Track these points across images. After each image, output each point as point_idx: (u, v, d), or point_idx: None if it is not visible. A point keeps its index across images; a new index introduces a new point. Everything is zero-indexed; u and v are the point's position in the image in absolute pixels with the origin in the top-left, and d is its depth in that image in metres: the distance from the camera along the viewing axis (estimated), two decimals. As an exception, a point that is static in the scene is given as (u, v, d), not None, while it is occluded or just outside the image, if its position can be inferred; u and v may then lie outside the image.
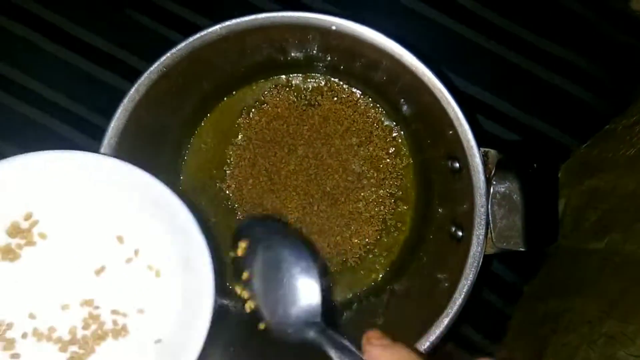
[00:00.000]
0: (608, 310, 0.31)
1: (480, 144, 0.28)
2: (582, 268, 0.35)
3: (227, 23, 0.27)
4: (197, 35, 0.27)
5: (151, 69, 0.27)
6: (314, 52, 0.34)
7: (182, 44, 0.28)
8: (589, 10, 0.43)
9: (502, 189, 0.27)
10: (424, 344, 0.28)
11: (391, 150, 0.39)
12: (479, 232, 0.27)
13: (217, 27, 0.27)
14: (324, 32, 0.29)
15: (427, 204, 0.37)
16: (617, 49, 0.44)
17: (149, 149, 0.34)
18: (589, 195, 0.38)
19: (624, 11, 0.42)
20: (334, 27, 0.28)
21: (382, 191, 0.38)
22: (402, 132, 0.39)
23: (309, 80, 0.39)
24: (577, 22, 0.43)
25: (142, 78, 0.28)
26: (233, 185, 0.39)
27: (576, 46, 0.43)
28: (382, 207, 0.38)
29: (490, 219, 0.27)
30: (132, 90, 0.28)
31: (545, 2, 0.43)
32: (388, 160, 0.38)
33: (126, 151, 0.29)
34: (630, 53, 0.44)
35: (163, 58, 0.27)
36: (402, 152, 0.39)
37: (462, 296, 0.28)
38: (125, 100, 0.28)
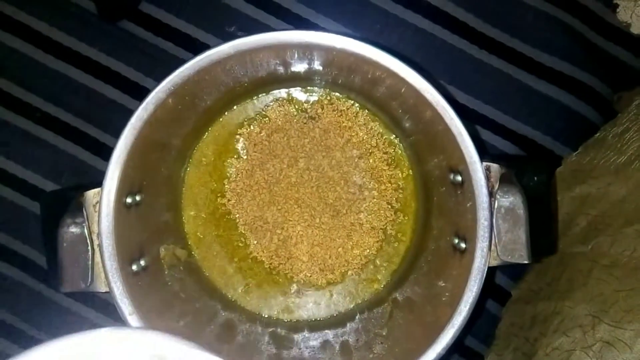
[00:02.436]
0: (600, 315, 0.32)
1: (482, 158, 0.29)
2: (570, 271, 0.36)
3: (235, 42, 0.28)
4: (206, 54, 0.28)
5: (159, 87, 0.28)
6: (316, 67, 0.34)
7: (190, 63, 0.28)
8: (582, 23, 0.45)
9: (506, 203, 0.28)
10: (431, 356, 0.29)
11: (391, 161, 0.39)
12: (482, 245, 0.28)
13: (225, 46, 0.28)
14: (329, 50, 0.30)
15: (428, 215, 0.38)
16: (610, 59, 0.45)
17: (151, 164, 0.34)
18: (580, 201, 0.39)
19: (613, 24, 0.44)
20: (337, 46, 0.29)
21: (383, 202, 0.39)
22: (401, 144, 0.39)
23: (309, 93, 0.39)
24: (571, 35, 0.45)
25: (150, 97, 0.28)
26: (233, 199, 0.39)
27: (569, 57, 0.44)
28: (383, 218, 0.39)
29: (495, 233, 0.28)
30: (140, 108, 0.28)
31: (540, 15, 0.44)
32: (388, 171, 0.39)
33: (131, 168, 0.30)
34: (619, 63, 0.45)
35: (171, 77, 0.27)
36: (402, 164, 0.39)
37: (467, 307, 0.29)
38: (133, 119, 0.28)
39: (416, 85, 0.28)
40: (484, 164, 0.29)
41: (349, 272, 0.39)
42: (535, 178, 0.30)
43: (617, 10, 0.41)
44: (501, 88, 0.44)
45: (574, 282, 0.35)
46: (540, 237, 0.29)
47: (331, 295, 0.40)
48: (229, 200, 0.39)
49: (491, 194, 0.28)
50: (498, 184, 0.28)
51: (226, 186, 0.39)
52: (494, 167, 0.29)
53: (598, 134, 0.41)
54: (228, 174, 0.39)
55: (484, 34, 0.45)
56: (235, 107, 0.39)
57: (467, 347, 0.42)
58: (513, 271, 0.42)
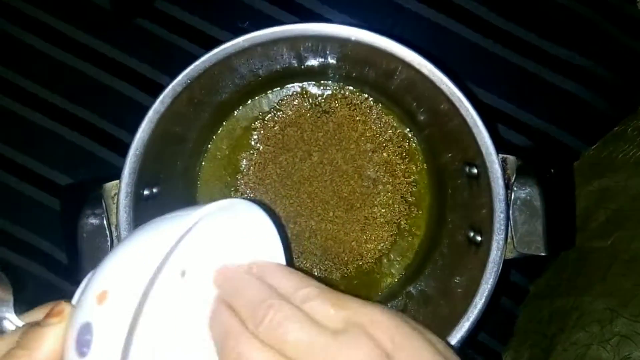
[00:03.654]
0: (618, 309, 0.32)
1: (498, 150, 0.29)
2: (589, 266, 0.35)
3: (251, 35, 0.28)
4: (221, 47, 0.28)
5: (176, 81, 0.28)
6: (330, 60, 0.34)
7: (206, 56, 0.28)
8: (598, 14, 0.44)
9: (523, 195, 0.28)
10: (447, 348, 0.28)
11: (405, 155, 0.39)
12: (498, 238, 0.28)
13: (240, 39, 0.28)
14: (343, 43, 0.30)
15: (442, 209, 0.37)
16: (625, 51, 0.44)
17: (168, 157, 0.34)
18: (599, 195, 0.38)
19: (633, 15, 0.43)
20: (353, 38, 0.28)
21: (397, 196, 0.39)
22: (416, 138, 0.39)
23: (323, 87, 0.39)
24: (587, 27, 0.44)
25: (167, 90, 0.28)
26: (246, 193, 0.40)
27: (584, 50, 0.44)
28: (397, 212, 0.39)
29: (512, 224, 0.28)
30: (157, 102, 0.28)
31: (555, 7, 0.44)
32: (402, 165, 0.39)
33: (148, 160, 0.30)
34: (638, 56, 0.44)
35: (187, 70, 0.28)
36: (416, 157, 0.39)
37: (483, 300, 0.28)
38: (150, 113, 0.28)
39: (431, 77, 0.28)
40: (501, 155, 0.28)
41: (363, 266, 0.39)
42: (553, 170, 0.29)
43: (637, 0, 0.40)
44: (516, 82, 0.44)
45: (593, 277, 0.34)
46: (558, 230, 0.29)
47: (345, 289, 0.40)
48: (241, 194, 0.40)
49: (507, 186, 0.28)
50: (514, 175, 0.28)
51: (239, 180, 0.40)
52: (511, 159, 0.29)
53: (617, 128, 0.40)
54: (241, 168, 0.40)
55: (499, 28, 0.44)
56: (249, 102, 0.39)
57: (482, 343, 0.42)
58: (530, 268, 0.42)
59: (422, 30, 0.44)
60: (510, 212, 0.28)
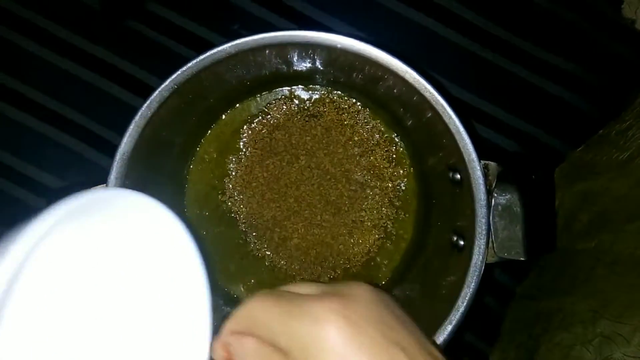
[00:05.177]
0: (600, 310, 0.32)
1: (480, 156, 0.29)
2: (573, 268, 0.36)
3: (237, 42, 0.28)
4: (208, 54, 0.28)
5: (163, 86, 0.28)
6: (318, 66, 0.34)
7: (193, 62, 0.28)
8: (583, 19, 0.45)
9: (503, 201, 0.28)
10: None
11: (392, 159, 0.40)
12: (480, 243, 0.29)
13: (226, 45, 0.28)
14: (330, 49, 0.30)
15: (428, 213, 0.38)
16: (610, 56, 0.45)
17: (156, 161, 0.34)
18: (582, 197, 0.39)
19: (617, 20, 0.44)
20: (339, 46, 0.29)
21: (384, 200, 0.39)
22: (403, 142, 0.40)
23: (311, 92, 0.40)
24: (572, 31, 0.45)
25: (154, 95, 0.28)
26: (233, 196, 0.40)
27: (570, 54, 0.44)
28: (384, 215, 0.39)
29: (492, 230, 0.28)
30: (144, 107, 0.28)
31: (539, 11, 0.45)
32: (390, 169, 0.39)
33: (135, 165, 0.30)
34: (623, 60, 0.45)
35: (174, 76, 0.28)
36: (403, 162, 0.40)
37: (465, 304, 0.29)
38: (137, 117, 0.28)
39: (415, 85, 0.29)
40: (482, 162, 0.29)
41: (351, 270, 0.40)
42: (533, 176, 0.30)
43: (622, 6, 0.41)
44: (505, 86, 0.45)
45: (577, 278, 0.35)
46: (538, 235, 0.30)
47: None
48: (229, 197, 0.40)
49: (489, 192, 0.29)
50: (495, 182, 0.29)
51: (227, 183, 0.40)
52: (492, 165, 0.29)
53: (602, 131, 0.41)
54: (229, 172, 0.40)
55: (488, 32, 0.45)
56: (238, 105, 0.40)
57: (469, 343, 0.43)
58: (517, 269, 0.42)
59: (411, 35, 0.45)
60: (491, 217, 0.28)
